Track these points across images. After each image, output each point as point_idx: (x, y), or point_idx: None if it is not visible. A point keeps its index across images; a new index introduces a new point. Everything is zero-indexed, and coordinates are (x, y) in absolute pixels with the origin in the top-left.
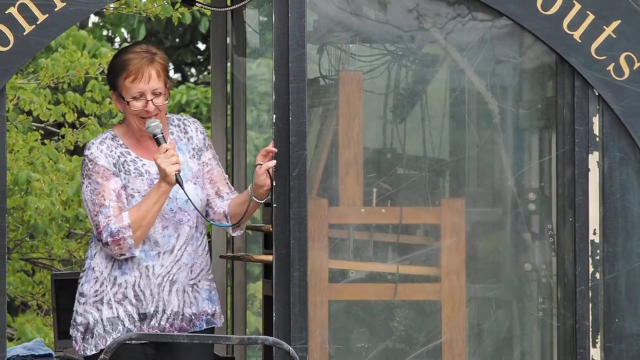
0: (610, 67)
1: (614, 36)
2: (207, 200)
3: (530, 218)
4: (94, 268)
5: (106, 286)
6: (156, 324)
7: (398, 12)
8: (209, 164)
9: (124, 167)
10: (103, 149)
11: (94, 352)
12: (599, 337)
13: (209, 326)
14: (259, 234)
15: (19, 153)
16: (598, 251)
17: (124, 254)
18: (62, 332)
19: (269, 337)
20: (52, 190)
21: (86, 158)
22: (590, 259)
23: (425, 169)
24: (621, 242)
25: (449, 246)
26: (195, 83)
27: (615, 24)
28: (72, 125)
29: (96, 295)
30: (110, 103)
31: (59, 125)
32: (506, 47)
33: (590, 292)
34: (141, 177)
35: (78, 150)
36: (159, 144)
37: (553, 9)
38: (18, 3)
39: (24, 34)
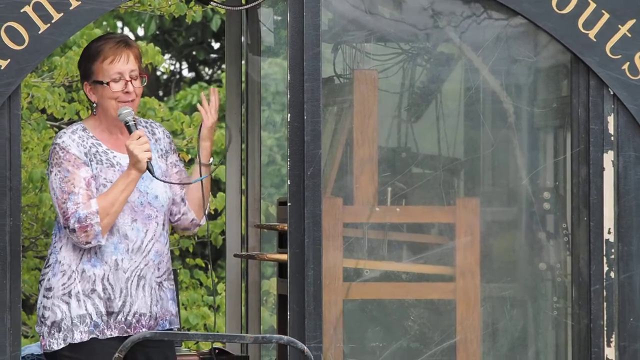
0: (625, 66)
1: (629, 35)
2: (174, 199)
3: (545, 217)
4: (60, 262)
5: (74, 279)
6: (122, 319)
7: (413, 11)
8: (177, 165)
9: (95, 158)
10: (75, 139)
11: (62, 345)
12: (613, 336)
13: (172, 326)
14: (273, 233)
15: (33, 151)
16: (613, 250)
17: (90, 242)
18: None
19: (283, 336)
20: None
21: (57, 146)
22: (605, 258)
23: (440, 168)
24: (636, 241)
25: (463, 245)
26: (209, 82)
27: (630, 23)
28: None
29: (64, 289)
30: None
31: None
32: (521, 46)
33: (604, 291)
34: (113, 168)
35: None
36: (130, 131)
37: (568, 8)
38: (33, 2)
39: (39, 32)
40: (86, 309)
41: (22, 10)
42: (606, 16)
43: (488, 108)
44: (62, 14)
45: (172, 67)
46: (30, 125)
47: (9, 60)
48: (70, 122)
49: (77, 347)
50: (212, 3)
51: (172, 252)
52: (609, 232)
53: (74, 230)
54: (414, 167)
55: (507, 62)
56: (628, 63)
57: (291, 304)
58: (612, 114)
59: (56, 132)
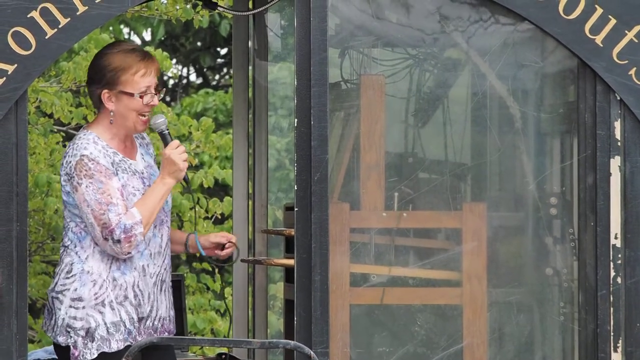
0: (632, 72)
1: (636, 41)
2: None
3: (552, 222)
4: (89, 271)
5: (106, 288)
6: (150, 324)
7: (420, 16)
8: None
9: (120, 167)
10: (99, 149)
11: (95, 356)
12: (620, 341)
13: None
14: (280, 238)
15: (40, 155)
16: (619, 255)
17: (130, 252)
18: None
19: (290, 341)
20: None
21: (85, 158)
22: (611, 264)
23: (446, 173)
24: None
25: (470, 250)
26: (216, 87)
27: (637, 28)
28: None
29: (96, 299)
30: None
31: (80, 128)
32: (528, 52)
33: (611, 296)
34: (135, 176)
35: None
36: (166, 140)
37: (575, 14)
38: (40, 7)
39: (46, 37)
40: (120, 317)
41: (29, 15)
42: (613, 21)
43: (495, 113)
44: (69, 19)
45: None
46: (37, 130)
47: (16, 65)
48: (78, 127)
49: (110, 355)
50: (219, 8)
51: (179, 256)
52: (616, 238)
53: (118, 241)
54: (421, 172)
55: (514, 68)
56: (635, 68)
57: (298, 309)
58: (619, 120)
59: (63, 137)
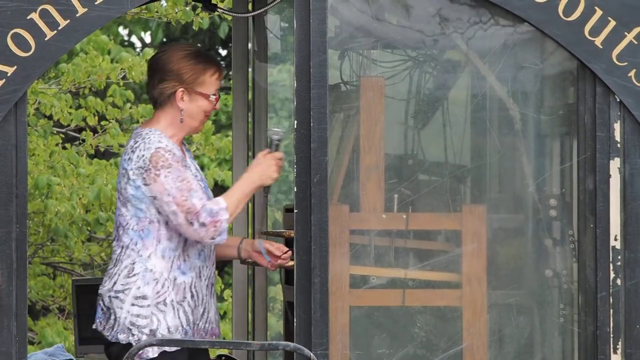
0: (632, 73)
1: (636, 42)
2: None
3: (552, 224)
4: (151, 270)
5: (167, 287)
6: (202, 326)
7: (420, 18)
8: None
9: (184, 164)
10: (171, 143)
11: (156, 354)
12: (619, 343)
13: None
14: (280, 239)
15: (39, 157)
16: (619, 257)
17: (215, 238)
18: (83, 338)
19: (289, 343)
20: (73, 194)
21: (161, 150)
22: (611, 265)
23: (446, 175)
24: None
25: (470, 252)
26: None
27: (636, 30)
28: (93, 130)
29: (158, 297)
30: (130, 108)
31: (80, 130)
32: (528, 53)
33: (611, 298)
34: (191, 174)
35: (99, 155)
36: (274, 148)
37: (574, 15)
38: (40, 9)
39: (46, 39)
40: (179, 318)
41: (28, 17)
42: (612, 23)
43: (494, 115)
44: (68, 20)
45: None
46: (36, 132)
47: (15, 67)
48: (77, 129)
49: (169, 355)
50: (218, 10)
51: None
52: (616, 239)
53: (203, 225)
54: (421, 174)
55: (514, 69)
56: (634, 70)
57: (297, 310)
58: (619, 121)
59: (62, 139)
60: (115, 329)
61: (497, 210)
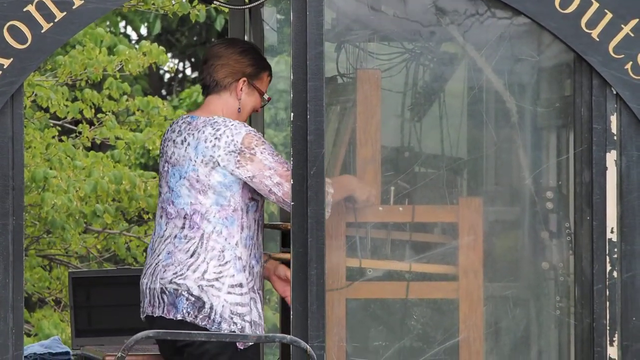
0: (628, 66)
1: (632, 35)
2: None
3: (548, 217)
4: (240, 257)
5: (250, 274)
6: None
7: (416, 10)
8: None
9: None
10: None
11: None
12: (616, 335)
13: None
14: (276, 232)
15: (36, 149)
16: (615, 250)
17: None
18: (80, 330)
19: (286, 335)
20: (70, 187)
21: (251, 132)
22: (607, 258)
23: (443, 168)
24: (639, 241)
25: (466, 245)
26: None
27: (633, 22)
28: (90, 122)
29: (249, 285)
30: (127, 100)
31: (76, 122)
32: (524, 46)
33: (607, 290)
34: None
35: (95, 147)
36: None
37: (571, 8)
38: (36, 1)
39: (42, 31)
40: (261, 305)
41: (25, 9)
42: (609, 16)
43: (491, 107)
44: (65, 13)
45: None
46: (33, 124)
47: (11, 59)
48: (74, 121)
49: (254, 345)
50: (215, 2)
51: None
52: (612, 232)
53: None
54: (417, 166)
55: (510, 62)
56: (631, 62)
57: (294, 303)
58: (615, 114)
59: (59, 131)
60: (212, 318)
61: (493, 202)
